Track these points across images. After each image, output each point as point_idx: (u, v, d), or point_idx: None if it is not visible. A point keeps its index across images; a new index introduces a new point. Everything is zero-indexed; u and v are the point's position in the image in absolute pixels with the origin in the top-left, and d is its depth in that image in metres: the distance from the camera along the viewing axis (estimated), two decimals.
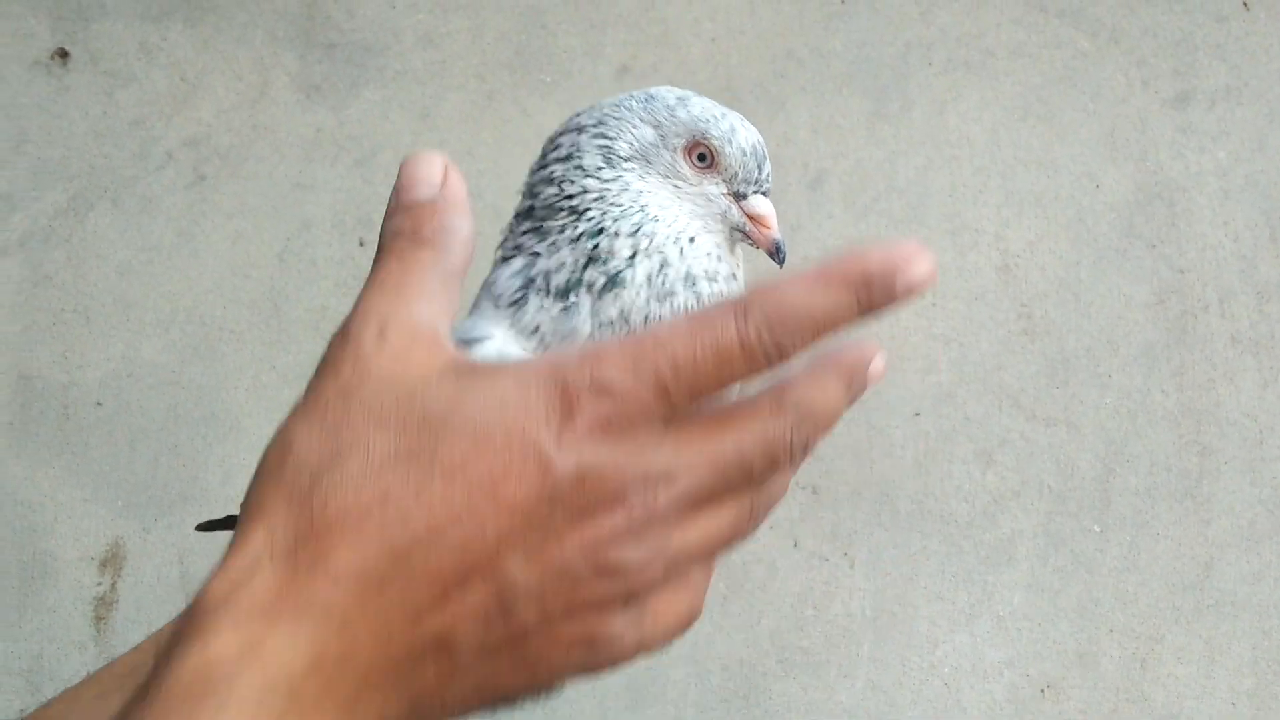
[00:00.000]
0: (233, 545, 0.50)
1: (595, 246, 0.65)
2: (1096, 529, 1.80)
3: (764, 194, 0.70)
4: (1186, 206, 1.91)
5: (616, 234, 0.66)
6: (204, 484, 1.80)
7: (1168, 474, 1.82)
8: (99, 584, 1.78)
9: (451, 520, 0.49)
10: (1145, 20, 1.98)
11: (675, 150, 0.69)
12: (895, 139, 1.94)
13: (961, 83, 1.97)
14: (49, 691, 1.74)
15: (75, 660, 1.75)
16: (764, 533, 1.62)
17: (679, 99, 0.70)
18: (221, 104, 1.95)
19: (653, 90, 0.71)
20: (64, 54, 1.95)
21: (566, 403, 0.50)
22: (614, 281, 0.66)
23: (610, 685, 1.73)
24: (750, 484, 0.54)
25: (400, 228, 0.56)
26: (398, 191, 0.57)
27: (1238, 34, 1.97)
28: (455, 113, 1.95)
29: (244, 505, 0.52)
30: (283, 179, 1.92)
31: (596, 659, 0.54)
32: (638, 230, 0.66)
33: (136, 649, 0.71)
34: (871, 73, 1.97)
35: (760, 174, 0.69)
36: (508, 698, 0.54)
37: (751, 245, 0.74)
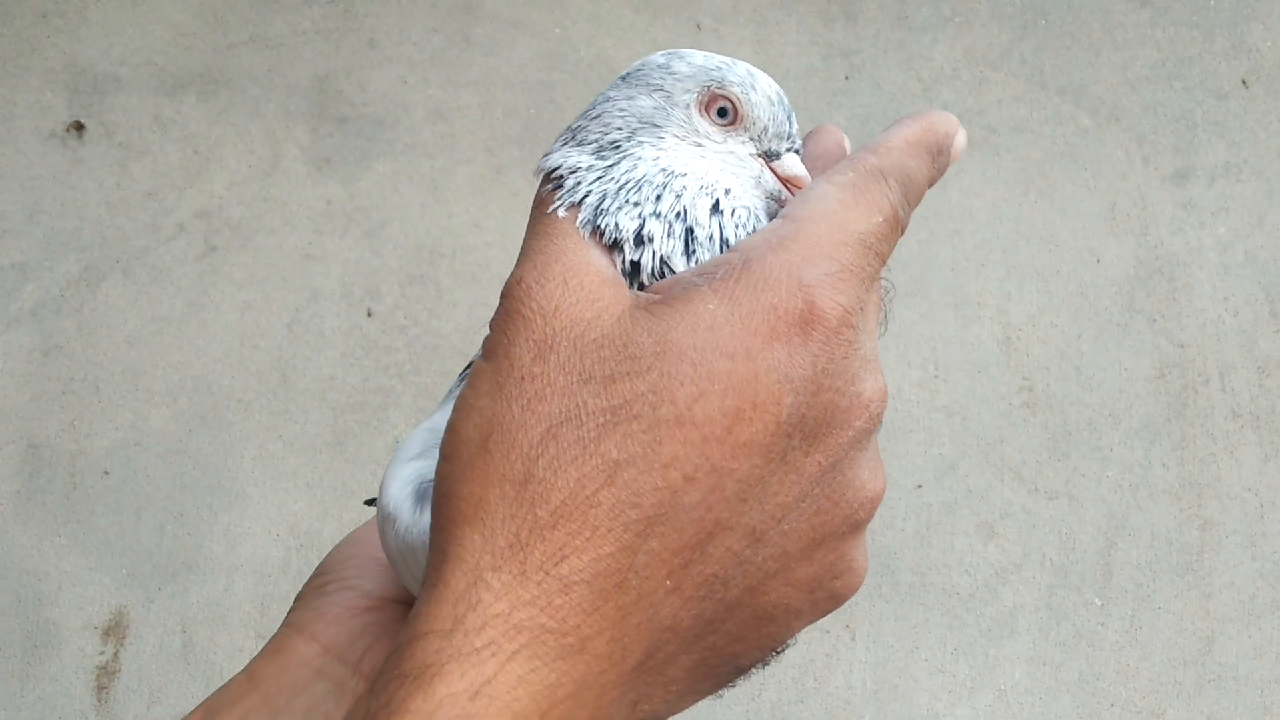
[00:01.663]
0: (443, 555, 0.43)
1: (600, 231, 0.51)
2: (1098, 602, 1.80)
3: (796, 152, 0.58)
4: (1187, 281, 1.93)
5: (622, 207, 0.52)
6: (209, 553, 1.81)
7: (1169, 548, 1.82)
8: (101, 653, 1.78)
9: (687, 481, 0.43)
10: (1145, 97, 2.01)
11: (688, 107, 0.56)
12: None
13: (964, 158, 1.99)
14: None
15: None
16: None
17: (667, 56, 0.57)
18: (233, 176, 1.97)
19: (630, 67, 0.58)
20: (79, 126, 1.98)
21: (794, 307, 0.44)
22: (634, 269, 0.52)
23: None
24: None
25: None
26: None
27: (1237, 111, 2.00)
28: (465, 185, 1.97)
29: (441, 500, 0.45)
30: (292, 250, 1.94)
31: (835, 598, 0.48)
32: (660, 194, 0.53)
33: None
34: None
35: (791, 127, 0.57)
36: (737, 667, 0.48)
37: None
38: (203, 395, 1.88)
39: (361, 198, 1.97)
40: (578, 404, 0.43)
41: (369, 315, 1.90)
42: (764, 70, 0.58)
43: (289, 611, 0.63)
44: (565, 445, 0.42)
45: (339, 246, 1.94)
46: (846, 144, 0.57)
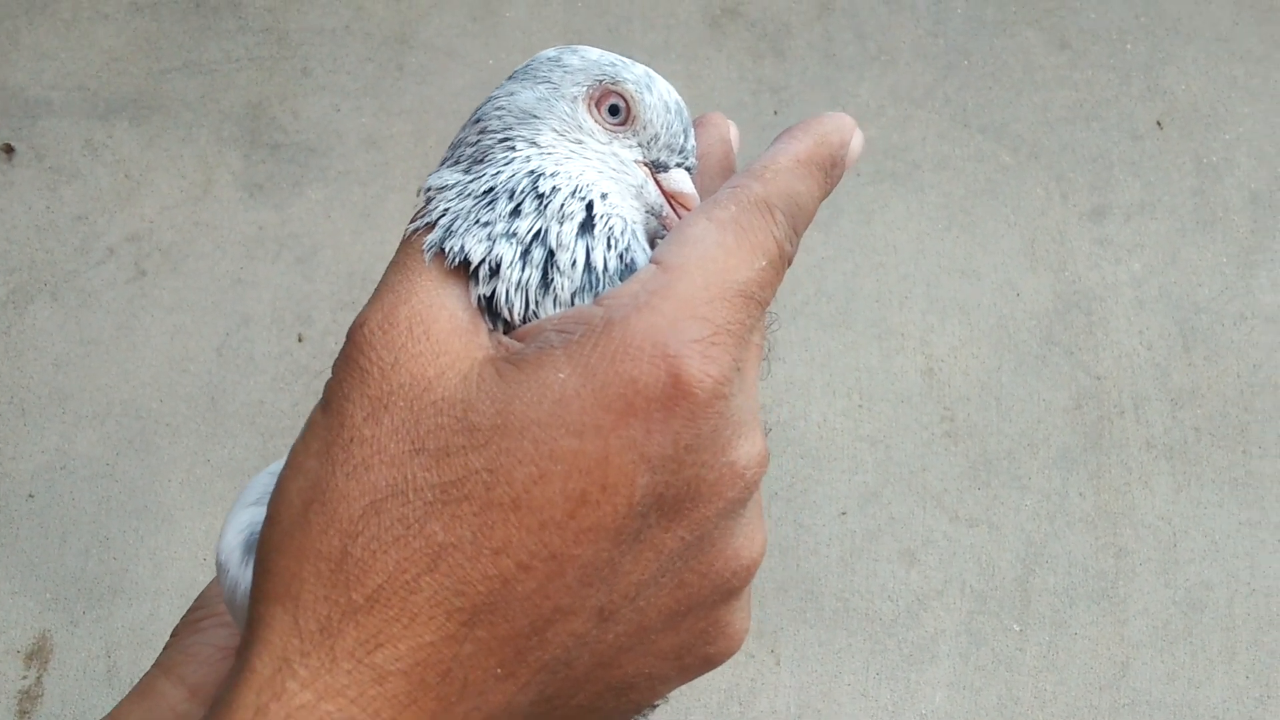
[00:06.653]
0: (251, 636, 0.39)
1: (445, 255, 0.46)
2: (1016, 628, 1.84)
3: (688, 169, 0.52)
4: (1103, 315, 1.98)
5: (470, 228, 0.46)
6: (134, 576, 1.80)
7: (1085, 575, 1.86)
8: (24, 677, 1.77)
9: (520, 569, 0.38)
10: (1064, 137, 2.07)
11: (575, 100, 0.50)
12: (824, 245, 1.99)
13: (888, 193, 2.04)
14: None
15: None
16: None
17: (560, 50, 0.52)
18: (165, 201, 1.98)
19: (522, 65, 0.53)
20: (9, 149, 1.98)
21: (655, 380, 0.39)
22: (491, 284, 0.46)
23: None
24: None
25: None
26: None
27: (1151, 151, 2.06)
28: (396, 212, 1.99)
29: (258, 569, 0.41)
30: (223, 275, 1.94)
31: (709, 662, 0.44)
32: (520, 206, 0.47)
33: None
34: None
35: (686, 141, 0.52)
36: None
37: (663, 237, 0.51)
38: (131, 419, 1.87)
39: (293, 224, 1.97)
40: (406, 477, 0.39)
41: (300, 340, 1.91)
42: (696, 106, 0.57)
43: (163, 648, 0.59)
44: (388, 523, 0.39)
45: (270, 272, 1.95)
46: (733, 135, 0.54)
